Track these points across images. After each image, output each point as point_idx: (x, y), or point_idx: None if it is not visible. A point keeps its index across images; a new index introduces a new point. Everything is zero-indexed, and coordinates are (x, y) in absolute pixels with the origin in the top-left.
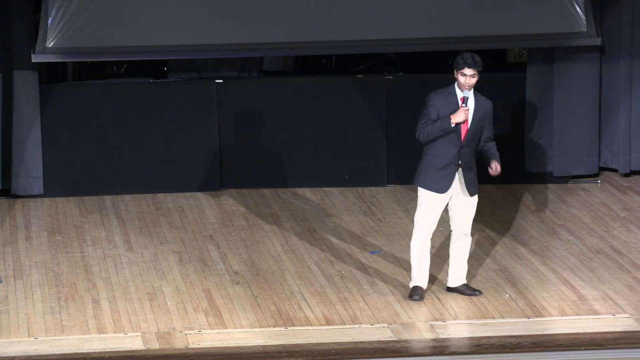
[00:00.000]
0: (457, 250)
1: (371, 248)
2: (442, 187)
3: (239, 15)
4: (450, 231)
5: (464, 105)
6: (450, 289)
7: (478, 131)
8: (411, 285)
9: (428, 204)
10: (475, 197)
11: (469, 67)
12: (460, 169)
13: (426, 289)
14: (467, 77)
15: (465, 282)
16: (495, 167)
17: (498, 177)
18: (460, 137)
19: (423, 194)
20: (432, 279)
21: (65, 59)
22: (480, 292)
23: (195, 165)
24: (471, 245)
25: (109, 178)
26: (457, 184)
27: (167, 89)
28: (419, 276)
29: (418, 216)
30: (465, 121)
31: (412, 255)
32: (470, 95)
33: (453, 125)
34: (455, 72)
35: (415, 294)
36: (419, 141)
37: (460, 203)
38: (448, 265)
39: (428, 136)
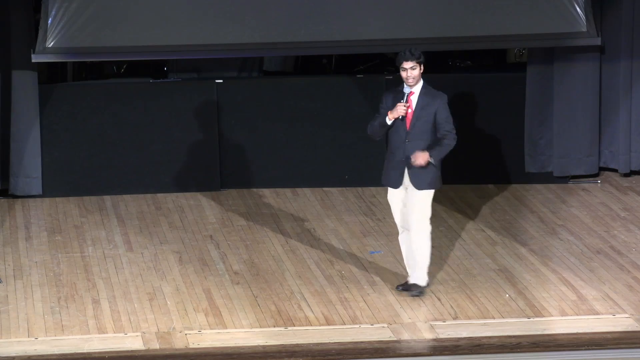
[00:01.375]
0: (404, 243)
1: (371, 248)
2: (394, 182)
3: (239, 15)
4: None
5: (403, 100)
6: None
7: (426, 125)
8: None
9: (389, 197)
10: (423, 193)
11: (406, 60)
12: (407, 163)
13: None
14: (407, 71)
15: (411, 281)
16: (414, 156)
17: (498, 177)
18: (405, 132)
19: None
20: (432, 279)
21: (65, 59)
22: (418, 294)
23: (195, 165)
24: (424, 244)
25: (109, 178)
26: (407, 178)
27: (167, 89)
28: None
29: None
30: (406, 116)
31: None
32: (417, 89)
33: (390, 121)
34: (400, 70)
35: (400, 284)
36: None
37: (408, 197)
38: (447, 264)
39: (371, 130)
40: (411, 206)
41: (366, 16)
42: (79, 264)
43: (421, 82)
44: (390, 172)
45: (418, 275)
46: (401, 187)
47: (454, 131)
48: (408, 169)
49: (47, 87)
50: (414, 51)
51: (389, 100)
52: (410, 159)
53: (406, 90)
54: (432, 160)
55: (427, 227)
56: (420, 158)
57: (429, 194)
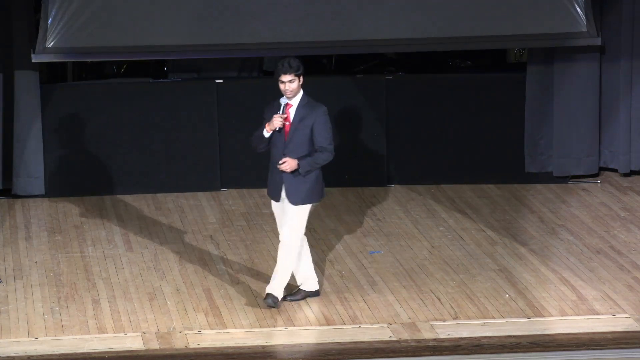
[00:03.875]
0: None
1: (371, 248)
2: (274, 194)
3: (239, 15)
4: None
5: (280, 112)
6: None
7: (303, 138)
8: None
9: (274, 210)
10: (297, 208)
11: (284, 73)
12: (285, 177)
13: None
14: (285, 84)
15: (267, 290)
16: (284, 160)
17: (498, 177)
18: (284, 143)
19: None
20: (433, 279)
21: (65, 59)
22: (273, 306)
23: (195, 165)
24: (289, 258)
25: (109, 178)
26: (284, 191)
27: (167, 89)
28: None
29: None
30: (284, 128)
31: None
32: (296, 101)
33: (268, 134)
34: (278, 83)
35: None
36: None
37: (284, 208)
38: (447, 264)
39: (252, 143)
40: (286, 217)
41: (366, 16)
42: (79, 264)
43: (300, 94)
44: (271, 183)
45: (275, 285)
46: (281, 201)
47: (331, 147)
48: (284, 183)
49: (48, 87)
50: (293, 63)
51: (269, 112)
52: (285, 172)
53: (283, 101)
54: (300, 170)
55: (296, 243)
56: (287, 164)
57: (303, 209)
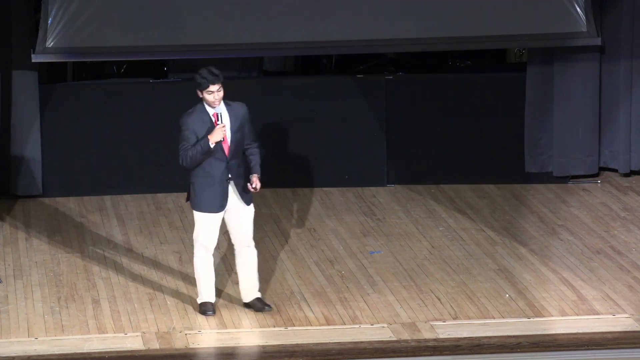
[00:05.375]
0: (242, 264)
1: (371, 248)
2: (218, 205)
3: (239, 15)
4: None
5: (219, 122)
6: (245, 304)
7: (241, 140)
8: (199, 301)
9: (205, 224)
10: (252, 207)
11: (213, 83)
12: (232, 182)
13: (215, 302)
14: (214, 94)
15: (258, 295)
16: (254, 183)
17: (498, 177)
18: (225, 153)
19: (199, 215)
20: (433, 279)
21: (65, 59)
22: (270, 308)
23: None
24: (258, 256)
25: (109, 178)
26: (232, 197)
27: (167, 89)
28: (207, 292)
29: (196, 236)
30: (225, 137)
31: (196, 273)
32: (222, 108)
33: (213, 145)
34: (200, 93)
35: (208, 309)
36: (184, 168)
37: (236, 216)
38: (447, 264)
39: (192, 161)
40: (246, 223)
41: (366, 16)
42: (79, 264)
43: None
44: (212, 197)
45: (257, 288)
46: (224, 210)
47: (256, 139)
48: (236, 188)
49: (48, 87)
50: (217, 71)
51: (194, 124)
52: (233, 179)
53: (217, 110)
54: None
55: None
56: (257, 182)
57: (253, 206)
